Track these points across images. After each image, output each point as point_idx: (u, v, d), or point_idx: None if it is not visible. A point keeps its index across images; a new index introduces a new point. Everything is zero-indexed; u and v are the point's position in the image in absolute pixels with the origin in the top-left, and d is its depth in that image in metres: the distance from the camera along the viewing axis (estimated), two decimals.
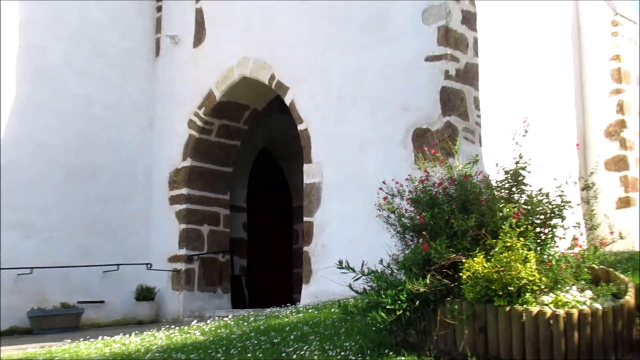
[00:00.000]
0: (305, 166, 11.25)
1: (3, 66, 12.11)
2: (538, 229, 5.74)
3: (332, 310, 7.55)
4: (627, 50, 13.58)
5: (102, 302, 12.72)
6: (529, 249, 5.22)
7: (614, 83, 13.38)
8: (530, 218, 5.72)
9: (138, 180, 13.59)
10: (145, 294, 12.82)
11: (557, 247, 5.66)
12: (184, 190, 13.08)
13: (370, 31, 10.67)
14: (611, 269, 5.94)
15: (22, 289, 11.81)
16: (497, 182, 6.14)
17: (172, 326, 9.01)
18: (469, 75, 10.20)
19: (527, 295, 4.98)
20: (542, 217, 5.81)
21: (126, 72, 13.64)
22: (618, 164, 13.12)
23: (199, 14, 13.19)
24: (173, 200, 13.18)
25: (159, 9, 14.08)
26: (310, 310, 8.18)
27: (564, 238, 5.74)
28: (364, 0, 10.73)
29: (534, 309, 4.82)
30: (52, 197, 12.43)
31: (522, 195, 5.97)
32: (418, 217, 5.88)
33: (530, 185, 6.01)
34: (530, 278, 4.95)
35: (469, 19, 10.33)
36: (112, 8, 13.58)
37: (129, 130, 13.55)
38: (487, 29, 10.93)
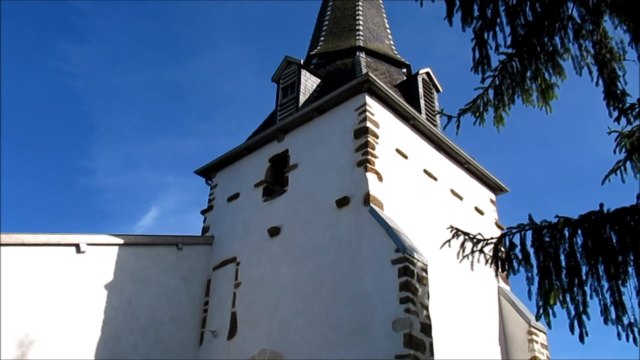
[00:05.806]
0: None
1: (87, 352, 11.64)
2: None
3: None
4: (541, 352, 13.24)
5: None
6: None
7: None
8: None
9: None
10: None
11: None
12: None
13: (356, 335, 10.44)
14: None
15: None
16: None
17: None
18: None
19: None
20: None
21: (177, 357, 13.05)
22: None
23: (234, 316, 13.04)
24: None
25: (205, 310, 13.99)
26: None
27: None
28: (352, 313, 10.74)
29: None
30: None
31: None
32: None
33: None
34: None
35: (426, 328, 10.19)
36: (174, 310, 13.47)
37: None
38: (440, 334, 10.81)
